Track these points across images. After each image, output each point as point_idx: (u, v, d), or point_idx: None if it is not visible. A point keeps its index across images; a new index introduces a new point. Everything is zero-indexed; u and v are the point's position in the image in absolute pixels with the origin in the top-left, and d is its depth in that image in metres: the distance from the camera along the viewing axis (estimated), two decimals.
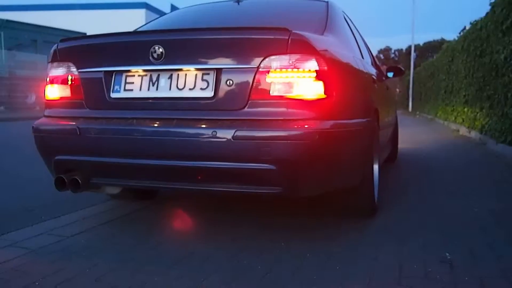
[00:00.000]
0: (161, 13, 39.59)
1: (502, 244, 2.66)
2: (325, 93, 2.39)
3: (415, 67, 28.15)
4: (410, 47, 33.04)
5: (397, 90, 54.23)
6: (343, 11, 3.81)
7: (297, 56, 2.37)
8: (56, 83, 2.79)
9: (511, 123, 6.58)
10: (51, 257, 2.37)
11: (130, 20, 36.48)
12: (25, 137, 3.71)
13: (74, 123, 2.62)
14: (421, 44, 78.22)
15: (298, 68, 2.36)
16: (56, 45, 2.83)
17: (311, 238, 2.72)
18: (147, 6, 38.05)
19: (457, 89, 12.00)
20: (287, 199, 3.26)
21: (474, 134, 9.45)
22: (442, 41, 45.50)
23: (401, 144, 7.22)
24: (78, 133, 2.58)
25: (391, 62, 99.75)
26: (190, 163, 2.41)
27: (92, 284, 2.06)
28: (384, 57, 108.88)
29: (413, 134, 10.78)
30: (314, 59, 2.38)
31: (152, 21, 3.96)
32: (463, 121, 10.98)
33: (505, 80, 7.00)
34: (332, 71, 2.47)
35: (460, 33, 12.46)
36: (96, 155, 2.59)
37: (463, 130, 10.78)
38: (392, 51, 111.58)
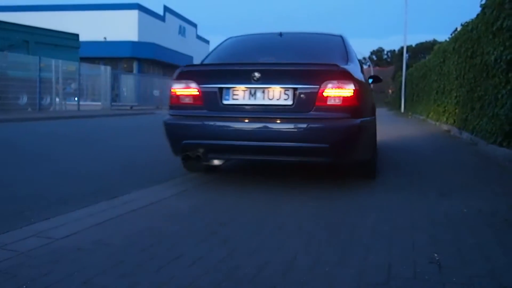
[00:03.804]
0: (153, 15, 39.47)
1: (490, 245, 2.68)
2: (356, 103, 3.92)
3: (407, 68, 28.21)
4: (402, 48, 33.15)
5: (390, 91, 54.23)
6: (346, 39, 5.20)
7: (342, 81, 3.89)
8: (181, 94, 4.18)
9: (501, 124, 6.62)
10: (40, 260, 2.35)
11: (123, 21, 36.40)
12: (18, 139, 3.69)
13: (199, 119, 4.06)
14: (413, 45, 78.52)
15: (343, 88, 3.88)
16: (180, 68, 4.30)
17: (301, 241, 2.73)
18: (139, 7, 37.89)
19: (449, 90, 12.07)
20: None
21: (465, 135, 9.50)
22: (434, 42, 45.69)
23: (394, 146, 7.25)
24: (202, 126, 4.03)
25: (384, 63, 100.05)
26: (279, 143, 3.90)
27: (80, 286, 2.06)
28: (377, 58, 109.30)
29: (406, 135, 10.84)
30: (352, 83, 3.91)
31: (217, 48, 5.19)
32: (455, 122, 11.03)
33: (496, 81, 7.04)
34: (359, 89, 3.98)
35: (451, 34, 12.52)
36: (213, 139, 3.99)
37: (455, 131, 10.84)
38: (385, 52, 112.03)
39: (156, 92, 30.86)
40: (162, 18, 41.22)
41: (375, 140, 4.85)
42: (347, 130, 3.92)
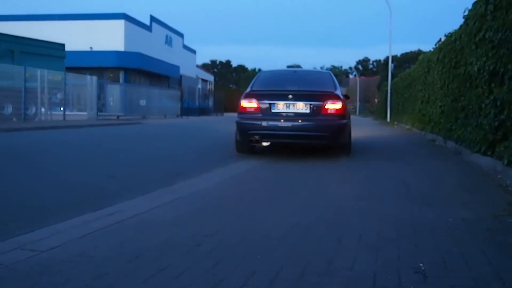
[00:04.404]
0: (140, 24, 39.42)
1: (473, 254, 2.71)
2: (343, 112, 7.35)
3: (393, 78, 28.45)
4: (388, 57, 33.45)
5: (376, 100, 54.46)
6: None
7: (336, 100, 7.36)
8: (247, 106, 7.48)
9: (485, 134, 6.71)
10: (24, 273, 2.33)
11: (109, 31, 36.29)
12: (2, 149, 3.65)
13: (259, 120, 7.30)
14: (398, 55, 79.25)
15: (336, 104, 7.31)
16: (246, 92, 7.73)
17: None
18: (126, 17, 37.76)
19: (433, 100, 12.19)
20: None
21: (450, 144, 9.60)
22: (419, 52, 46.16)
23: (379, 154, 7.27)
24: (260, 124, 7.26)
25: (369, 72, 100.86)
26: (301, 133, 7.35)
27: None
28: (362, 68, 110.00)
29: (391, 145, 10.90)
30: (340, 101, 7.38)
31: (257, 78, 8.43)
32: (440, 131, 11.14)
33: (479, 91, 7.13)
34: (344, 104, 7.44)
35: (435, 44, 12.67)
36: (265, 130, 7.28)
37: (440, 140, 10.94)
38: (371, 61, 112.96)
39: (142, 102, 30.73)
40: (148, 28, 41.16)
41: (350, 132, 8.19)
42: (338, 126, 7.38)
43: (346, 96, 8.33)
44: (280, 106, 7.38)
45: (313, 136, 7.38)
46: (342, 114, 7.38)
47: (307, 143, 8.14)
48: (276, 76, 8.84)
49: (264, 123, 7.36)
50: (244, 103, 7.62)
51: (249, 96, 7.64)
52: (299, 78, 8.62)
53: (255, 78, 8.57)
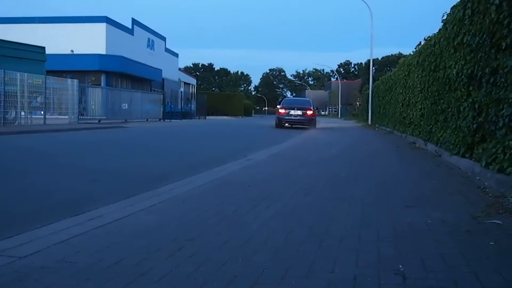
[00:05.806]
0: (122, 28, 39.21)
1: (453, 255, 2.74)
2: (313, 115, 25.12)
3: (374, 81, 28.69)
4: (369, 61, 33.74)
5: (357, 103, 55.03)
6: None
7: (310, 110, 24.86)
8: (281, 111, 24.79)
9: (464, 136, 6.81)
10: (2, 279, 2.29)
11: (90, 34, 36.00)
12: None
13: (285, 116, 24.77)
14: (379, 58, 79.98)
15: (310, 111, 24.78)
16: (280, 106, 25.69)
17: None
18: (107, 20, 37.53)
19: (414, 103, 12.33)
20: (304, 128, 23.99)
21: (430, 146, 9.71)
22: (399, 56, 46.61)
23: (357, 161, 7.29)
24: (285, 117, 24.83)
25: (351, 76, 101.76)
26: (299, 121, 24.73)
27: None
28: (344, 71, 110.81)
29: (371, 149, 10.97)
30: (313, 111, 25.00)
31: (284, 101, 27.10)
32: (420, 133, 11.27)
33: (458, 94, 7.24)
34: (314, 111, 25.53)
35: (415, 48, 12.82)
36: (287, 120, 24.87)
37: (420, 143, 11.06)
38: (352, 65, 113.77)
39: (124, 106, 30.51)
40: (130, 31, 40.95)
41: (316, 121, 26.00)
42: (311, 119, 24.51)
43: (317, 108, 27.71)
44: (292, 112, 23.66)
45: (303, 122, 23.69)
46: (313, 115, 24.16)
47: (301, 125, 23.26)
48: (290, 100, 27.45)
49: (286, 117, 23.80)
50: (280, 110, 24.09)
51: (282, 108, 24.01)
52: (298, 101, 27.06)
53: (283, 101, 26.69)
